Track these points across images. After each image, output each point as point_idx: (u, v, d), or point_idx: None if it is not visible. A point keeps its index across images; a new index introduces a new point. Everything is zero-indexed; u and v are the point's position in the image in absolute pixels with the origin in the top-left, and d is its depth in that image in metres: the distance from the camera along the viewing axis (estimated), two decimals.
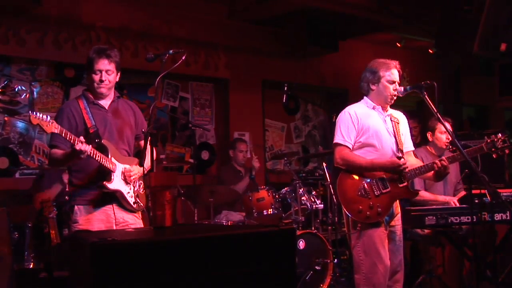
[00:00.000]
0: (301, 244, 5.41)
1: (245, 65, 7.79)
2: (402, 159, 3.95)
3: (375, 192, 3.90)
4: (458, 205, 4.99)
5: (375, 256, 3.87)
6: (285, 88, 6.31)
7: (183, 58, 3.64)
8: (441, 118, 3.83)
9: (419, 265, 5.48)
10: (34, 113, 3.26)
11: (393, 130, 4.06)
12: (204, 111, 7.65)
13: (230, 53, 7.64)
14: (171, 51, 3.62)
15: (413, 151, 5.14)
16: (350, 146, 3.98)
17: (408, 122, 5.87)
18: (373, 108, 4.06)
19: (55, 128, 3.31)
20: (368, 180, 3.93)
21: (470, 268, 5.17)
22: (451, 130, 3.94)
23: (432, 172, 3.97)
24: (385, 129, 4.04)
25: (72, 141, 3.38)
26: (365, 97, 4.11)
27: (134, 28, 6.75)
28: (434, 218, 4.54)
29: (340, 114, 4.08)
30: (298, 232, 5.41)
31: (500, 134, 4.01)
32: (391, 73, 4.00)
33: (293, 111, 8.58)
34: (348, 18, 7.56)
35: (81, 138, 3.42)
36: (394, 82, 4.00)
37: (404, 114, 4.28)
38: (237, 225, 5.41)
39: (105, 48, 3.69)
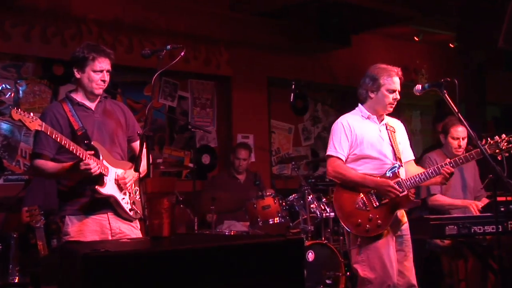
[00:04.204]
0: (310, 256, 5.42)
1: (249, 61, 7.81)
2: (398, 179, 4.02)
3: (374, 204, 3.99)
4: (480, 208, 4.99)
5: (382, 271, 3.93)
6: (293, 86, 6.36)
7: (182, 54, 3.65)
8: (463, 120, 3.83)
9: (439, 279, 5.48)
10: (16, 108, 3.30)
11: (389, 139, 4.14)
12: (204, 112, 7.67)
13: (232, 48, 7.66)
14: (169, 47, 3.64)
15: (428, 155, 5.19)
16: (343, 158, 4.08)
17: (435, 127, 5.86)
18: (368, 117, 4.15)
19: (39, 125, 3.33)
20: (366, 192, 4.01)
21: (495, 282, 5.16)
22: (473, 135, 3.90)
23: (434, 180, 4.05)
24: (381, 139, 4.12)
25: (77, 154, 3.44)
26: (360, 106, 4.21)
27: (128, 21, 6.77)
28: (455, 227, 4.53)
29: (333, 125, 4.19)
30: (307, 243, 5.42)
31: (504, 135, 4.05)
32: (392, 81, 4.07)
33: (301, 111, 8.59)
34: (361, 10, 7.57)
35: (89, 151, 3.50)
36: (394, 91, 4.08)
37: (401, 122, 4.35)
38: (241, 235, 5.42)
39: (100, 46, 3.74)
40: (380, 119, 4.18)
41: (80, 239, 3.56)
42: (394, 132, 4.19)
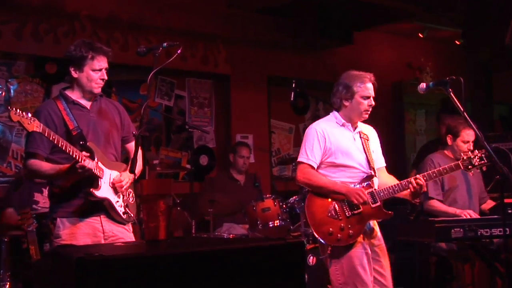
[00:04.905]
0: (312, 260, 5.42)
1: (248, 59, 7.81)
2: (372, 189, 4.12)
3: (346, 213, 4.06)
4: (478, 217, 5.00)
5: (357, 280, 4.00)
6: (293, 85, 6.33)
7: (179, 51, 3.66)
8: (468, 119, 3.84)
9: (445, 283, 5.48)
10: (14, 108, 3.30)
11: (363, 148, 4.22)
12: (202, 111, 7.67)
13: (231, 46, 7.66)
14: (165, 44, 3.65)
15: (430, 157, 5.23)
16: (315, 165, 4.16)
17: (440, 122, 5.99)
18: (343, 125, 4.23)
19: (37, 126, 3.34)
20: (339, 200, 4.08)
21: (502, 287, 5.16)
22: (480, 135, 3.92)
23: (408, 192, 4.14)
24: (355, 147, 4.21)
25: (74, 156, 3.44)
26: (334, 112, 4.29)
27: (123, 18, 6.78)
28: (461, 230, 4.54)
29: (307, 130, 4.27)
30: (308, 247, 5.42)
31: (476, 151, 4.27)
32: (366, 87, 4.14)
33: (302, 110, 8.59)
34: (363, 6, 7.57)
35: (84, 152, 3.50)
36: (369, 97, 4.15)
37: (374, 129, 4.45)
38: (240, 238, 5.42)
39: (96, 43, 3.75)
40: (354, 127, 4.25)
41: (72, 242, 3.56)
42: (367, 140, 4.28)
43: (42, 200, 5.56)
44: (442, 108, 7.23)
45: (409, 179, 4.11)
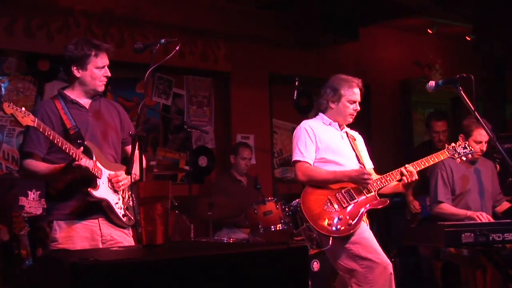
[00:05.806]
0: (315, 265, 5.42)
1: (249, 56, 7.82)
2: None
3: (343, 204, 4.30)
4: (491, 220, 5.00)
5: (378, 256, 4.20)
6: (296, 83, 6.35)
7: (177, 48, 3.66)
8: (480, 119, 3.84)
9: None
10: (8, 101, 3.32)
11: (351, 146, 4.52)
12: (201, 110, 7.67)
13: (231, 42, 7.66)
14: (163, 40, 3.66)
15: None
16: (311, 162, 4.41)
17: (436, 125, 6.29)
18: (329, 124, 4.51)
19: (31, 120, 3.35)
20: (334, 193, 4.31)
21: None
22: (491, 135, 3.93)
23: (400, 183, 4.39)
24: (344, 145, 4.51)
25: (70, 153, 3.45)
26: (321, 114, 4.58)
27: (119, 13, 6.78)
28: (472, 235, 4.53)
29: (295, 131, 4.54)
30: (312, 251, 5.43)
31: (460, 140, 4.74)
32: (353, 92, 4.46)
33: (306, 109, 8.58)
34: (370, 1, 7.58)
35: (81, 150, 3.52)
36: (355, 102, 4.46)
37: (359, 133, 4.76)
38: (241, 243, 5.43)
39: (96, 40, 3.81)
40: (341, 127, 4.58)
41: (68, 246, 3.57)
42: (354, 140, 4.59)
43: (28, 204, 5.56)
44: (432, 112, 7.30)
45: (399, 168, 4.33)
